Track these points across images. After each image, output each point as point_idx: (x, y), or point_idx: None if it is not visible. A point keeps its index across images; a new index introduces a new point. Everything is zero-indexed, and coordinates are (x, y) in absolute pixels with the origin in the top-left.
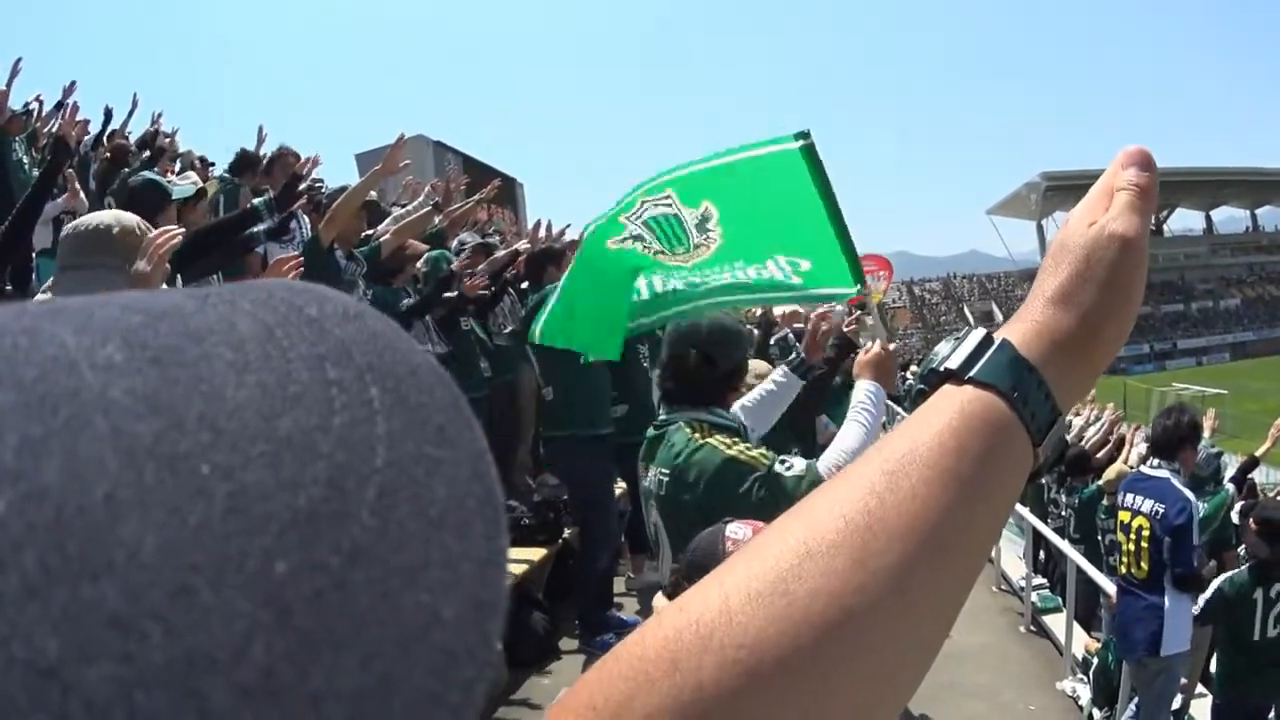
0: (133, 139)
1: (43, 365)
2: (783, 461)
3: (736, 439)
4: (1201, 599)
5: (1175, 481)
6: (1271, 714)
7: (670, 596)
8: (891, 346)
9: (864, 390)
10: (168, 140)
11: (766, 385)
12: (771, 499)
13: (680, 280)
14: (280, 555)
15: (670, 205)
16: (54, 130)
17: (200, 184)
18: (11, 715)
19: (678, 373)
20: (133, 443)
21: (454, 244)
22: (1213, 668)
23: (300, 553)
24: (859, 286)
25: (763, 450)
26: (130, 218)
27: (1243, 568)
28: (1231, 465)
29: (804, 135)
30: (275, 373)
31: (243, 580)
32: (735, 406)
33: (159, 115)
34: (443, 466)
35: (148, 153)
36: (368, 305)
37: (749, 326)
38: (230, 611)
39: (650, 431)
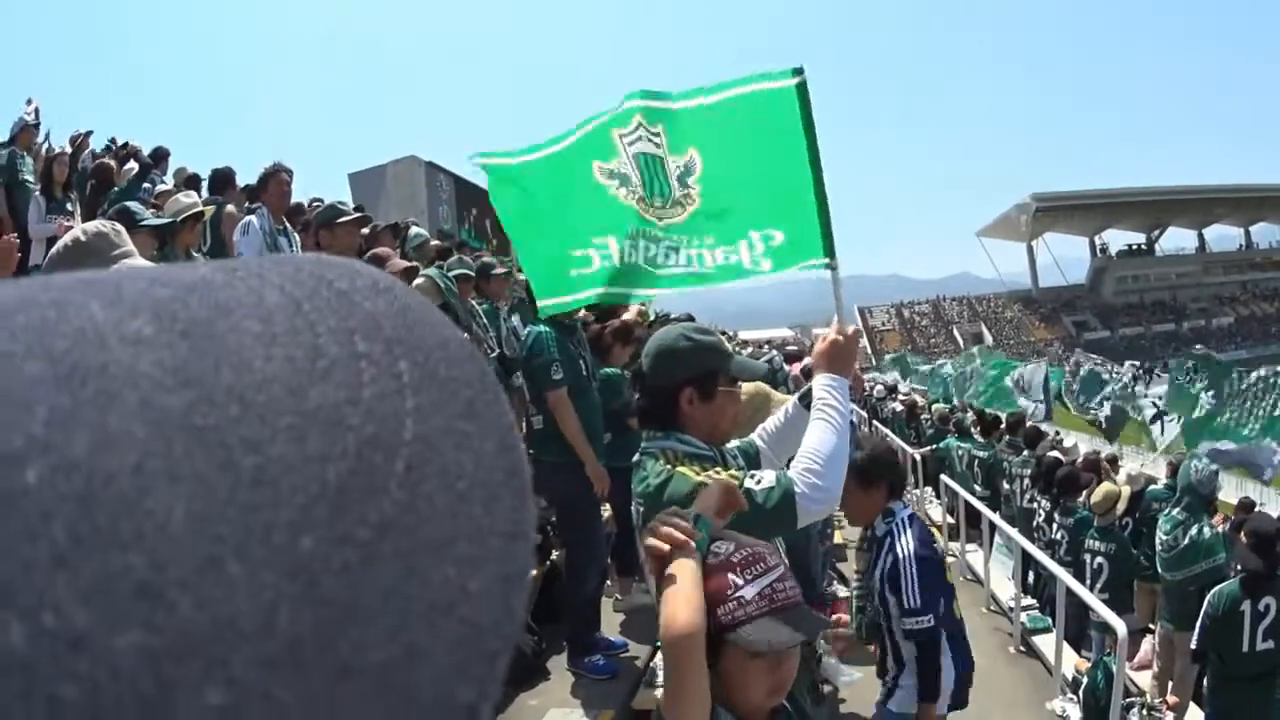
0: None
1: (72, 337)
2: (752, 476)
3: (709, 465)
4: (1197, 627)
5: None
6: None
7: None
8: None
9: (822, 385)
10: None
11: (780, 415)
12: (745, 515)
13: (645, 248)
14: (307, 528)
15: (659, 145)
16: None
17: (199, 204)
18: (40, 685)
19: (641, 394)
20: (161, 415)
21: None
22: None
23: (328, 525)
24: (828, 260)
25: (732, 471)
26: (95, 224)
27: (1232, 580)
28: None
29: (799, 72)
30: (304, 346)
31: (269, 552)
32: (755, 434)
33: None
34: (470, 440)
35: (135, 167)
36: (398, 280)
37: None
38: (257, 583)
39: (636, 458)
